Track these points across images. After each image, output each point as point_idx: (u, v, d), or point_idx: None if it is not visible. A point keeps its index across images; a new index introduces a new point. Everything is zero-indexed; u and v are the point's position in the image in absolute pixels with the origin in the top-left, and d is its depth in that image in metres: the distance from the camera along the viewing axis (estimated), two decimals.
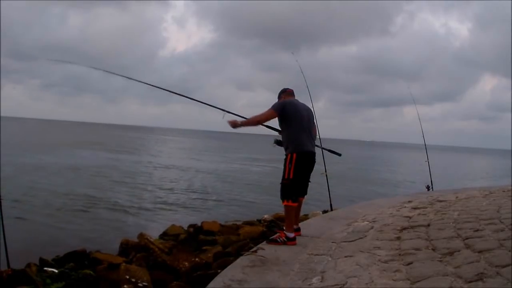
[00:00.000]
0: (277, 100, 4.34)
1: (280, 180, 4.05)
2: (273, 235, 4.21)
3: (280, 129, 4.25)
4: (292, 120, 4.06)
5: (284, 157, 4.07)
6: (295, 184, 4.00)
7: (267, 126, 4.38)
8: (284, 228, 4.11)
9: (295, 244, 3.94)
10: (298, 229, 4.30)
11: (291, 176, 3.95)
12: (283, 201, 4.01)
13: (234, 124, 4.08)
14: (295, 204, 4.03)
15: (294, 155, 3.96)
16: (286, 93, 4.34)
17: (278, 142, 4.28)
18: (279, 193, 4.06)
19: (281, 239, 3.98)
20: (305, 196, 4.26)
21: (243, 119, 4.20)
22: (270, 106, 4.14)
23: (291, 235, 3.99)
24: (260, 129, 4.42)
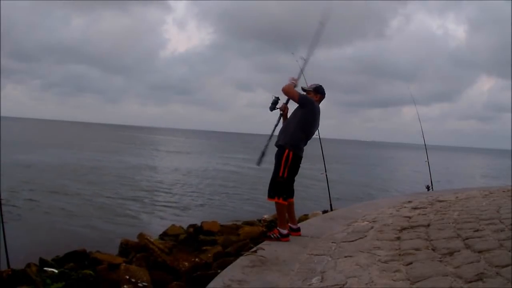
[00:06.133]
0: (302, 87, 4.28)
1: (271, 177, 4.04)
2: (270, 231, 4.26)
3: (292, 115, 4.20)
4: (306, 122, 4.08)
5: (278, 143, 4.06)
6: (288, 183, 4.05)
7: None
8: (277, 225, 4.15)
9: (288, 240, 3.99)
10: (298, 229, 4.31)
11: (285, 175, 3.98)
12: (273, 198, 4.00)
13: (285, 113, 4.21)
14: (286, 203, 4.06)
15: (291, 155, 3.97)
16: (321, 95, 4.29)
17: (276, 102, 4.18)
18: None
19: (274, 235, 4.03)
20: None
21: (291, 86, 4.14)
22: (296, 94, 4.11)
23: (284, 231, 4.03)
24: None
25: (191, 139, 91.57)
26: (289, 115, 4.25)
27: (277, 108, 4.20)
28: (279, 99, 4.19)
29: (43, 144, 35.70)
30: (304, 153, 4.17)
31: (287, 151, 3.98)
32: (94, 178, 17.42)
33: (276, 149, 4.09)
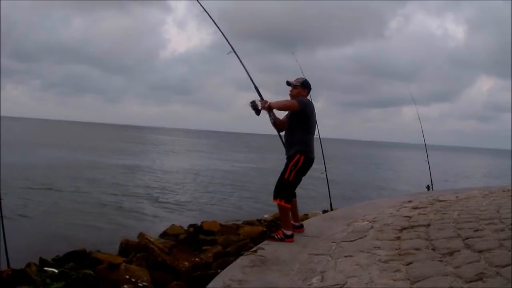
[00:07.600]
0: (293, 85, 4.19)
1: (278, 177, 4.05)
2: (273, 231, 4.25)
3: (289, 121, 4.16)
4: (308, 122, 4.08)
5: (289, 154, 4.04)
6: (292, 186, 4.05)
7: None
8: (282, 226, 4.15)
9: (293, 241, 3.98)
10: (301, 226, 4.33)
11: (290, 178, 3.97)
12: (275, 199, 4.01)
13: (269, 107, 4.06)
14: (288, 205, 4.04)
15: (302, 159, 3.96)
16: (308, 89, 4.25)
17: (254, 105, 4.10)
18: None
19: (278, 236, 4.03)
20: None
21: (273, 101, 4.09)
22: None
23: (289, 232, 4.02)
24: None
25: (191, 138, 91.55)
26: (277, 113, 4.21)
27: (262, 109, 4.12)
28: (255, 101, 4.13)
29: (44, 144, 35.71)
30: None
31: (298, 155, 3.96)
32: (94, 178, 17.41)
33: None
